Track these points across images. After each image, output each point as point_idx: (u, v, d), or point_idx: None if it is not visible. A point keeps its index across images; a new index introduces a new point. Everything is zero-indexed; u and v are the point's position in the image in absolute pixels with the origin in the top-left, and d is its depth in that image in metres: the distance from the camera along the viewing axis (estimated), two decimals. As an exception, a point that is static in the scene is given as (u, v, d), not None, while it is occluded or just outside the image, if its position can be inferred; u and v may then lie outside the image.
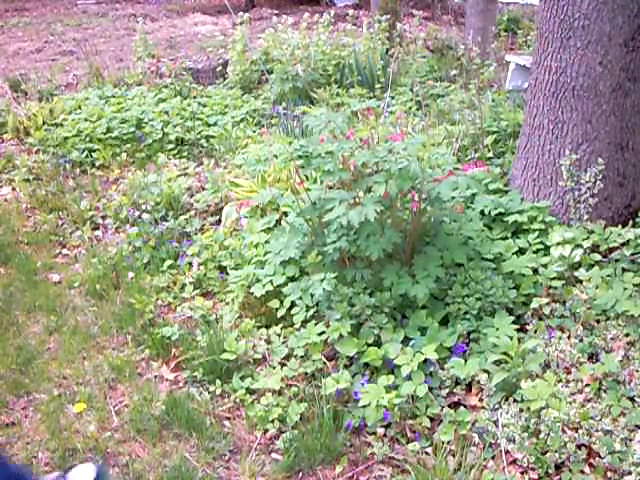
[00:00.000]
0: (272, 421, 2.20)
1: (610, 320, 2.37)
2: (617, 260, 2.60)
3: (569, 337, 2.33)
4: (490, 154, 3.65)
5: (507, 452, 2.00)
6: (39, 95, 5.53)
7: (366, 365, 2.31)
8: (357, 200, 2.43)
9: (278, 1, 11.33)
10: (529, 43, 6.36)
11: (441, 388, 2.22)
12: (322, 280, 2.42)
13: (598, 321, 2.39)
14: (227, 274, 2.92)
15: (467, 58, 5.14)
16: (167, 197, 3.58)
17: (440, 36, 6.90)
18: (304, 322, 2.49)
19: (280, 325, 2.59)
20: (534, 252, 2.67)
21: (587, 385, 2.17)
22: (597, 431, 1.96)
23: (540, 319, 2.44)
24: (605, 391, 2.14)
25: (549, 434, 1.95)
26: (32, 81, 5.79)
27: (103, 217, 3.71)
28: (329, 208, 2.38)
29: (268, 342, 2.54)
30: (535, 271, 2.58)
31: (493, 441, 2.03)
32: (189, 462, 2.09)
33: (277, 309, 2.60)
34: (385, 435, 2.14)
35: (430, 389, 2.18)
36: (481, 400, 2.19)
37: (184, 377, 2.47)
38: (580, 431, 1.97)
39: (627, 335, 2.30)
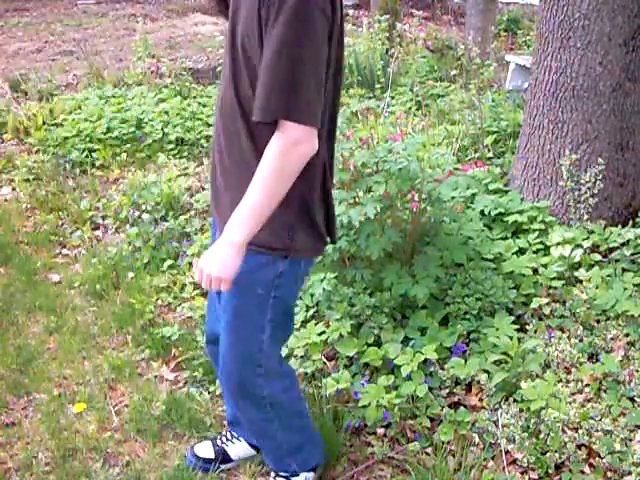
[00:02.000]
0: (272, 421, 2.20)
1: (610, 320, 2.37)
2: (617, 260, 2.60)
3: (569, 337, 2.33)
4: (490, 154, 3.65)
5: (507, 452, 2.00)
6: (39, 95, 5.52)
7: (366, 365, 2.31)
8: (357, 200, 2.43)
9: (278, 1, 11.29)
10: (529, 43, 6.37)
11: (441, 388, 2.22)
12: (322, 280, 2.42)
13: (598, 321, 2.39)
14: (227, 274, 2.92)
15: (467, 58, 5.14)
16: (167, 197, 3.58)
17: (440, 36, 6.91)
18: (304, 322, 2.49)
19: (280, 325, 2.59)
20: (534, 252, 2.67)
21: (587, 385, 2.17)
22: (597, 431, 1.96)
23: (540, 319, 2.44)
24: (605, 391, 2.14)
25: (549, 434, 1.95)
26: (32, 81, 5.78)
27: (103, 217, 3.71)
28: (329, 208, 2.38)
29: (268, 342, 2.54)
30: (535, 271, 2.58)
31: (493, 441, 2.03)
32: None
33: (277, 309, 2.60)
34: (385, 435, 2.14)
35: (430, 389, 2.17)
36: (481, 400, 2.19)
37: (184, 377, 2.47)
38: (580, 431, 1.97)
39: (627, 335, 2.30)
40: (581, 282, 2.51)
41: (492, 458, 2.02)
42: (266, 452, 1.94)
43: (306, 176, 1.49)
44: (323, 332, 2.37)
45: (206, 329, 1.97)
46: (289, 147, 1.37)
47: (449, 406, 2.17)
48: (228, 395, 1.88)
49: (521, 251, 2.70)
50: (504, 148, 3.75)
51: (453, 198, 2.81)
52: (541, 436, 1.96)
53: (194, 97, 5.36)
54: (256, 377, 1.70)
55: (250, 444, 2.06)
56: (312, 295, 2.49)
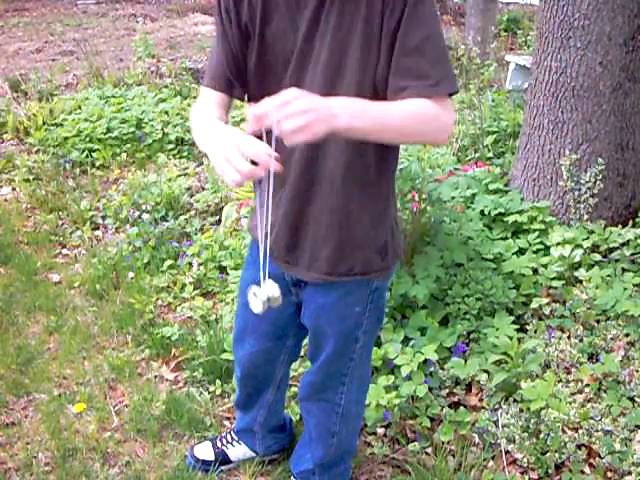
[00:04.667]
0: (272, 421, 2.20)
1: (610, 320, 2.37)
2: (617, 260, 2.60)
3: (569, 337, 2.33)
4: (490, 154, 3.65)
5: (507, 452, 2.00)
6: (39, 95, 5.52)
7: (366, 365, 2.30)
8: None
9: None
10: (529, 43, 6.36)
11: (441, 388, 2.22)
12: (322, 280, 2.42)
13: (598, 321, 2.39)
14: (227, 274, 2.92)
15: (467, 58, 5.14)
16: (167, 197, 3.58)
17: (440, 36, 6.88)
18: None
19: (280, 325, 2.59)
20: (534, 252, 2.67)
21: (587, 385, 2.17)
22: (597, 431, 1.96)
23: (540, 319, 2.44)
24: (605, 391, 2.14)
25: (549, 434, 1.95)
26: (32, 81, 5.79)
27: (103, 217, 3.71)
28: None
29: (268, 342, 2.54)
30: (535, 271, 2.58)
31: (493, 441, 2.03)
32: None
33: (277, 309, 2.60)
34: (385, 435, 2.14)
35: (430, 389, 2.18)
36: (481, 400, 2.19)
37: (184, 377, 2.47)
38: (580, 431, 1.97)
39: (627, 335, 2.30)
40: (581, 282, 2.51)
41: (492, 458, 2.02)
42: (306, 457, 1.88)
43: (394, 190, 1.49)
44: (323, 332, 2.37)
45: (252, 374, 1.84)
46: (450, 122, 1.34)
47: (449, 406, 2.17)
48: (305, 396, 1.79)
49: (521, 251, 2.70)
50: (504, 148, 3.76)
51: (453, 198, 2.82)
52: (541, 436, 1.96)
53: (194, 97, 5.36)
54: (339, 384, 1.69)
55: (252, 449, 2.06)
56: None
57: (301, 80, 1.33)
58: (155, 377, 2.49)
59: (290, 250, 1.51)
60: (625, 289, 2.39)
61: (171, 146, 4.56)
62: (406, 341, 2.31)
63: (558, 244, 2.63)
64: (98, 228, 3.66)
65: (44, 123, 4.86)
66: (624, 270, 2.55)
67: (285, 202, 1.46)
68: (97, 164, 4.42)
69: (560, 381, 2.18)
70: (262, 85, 1.40)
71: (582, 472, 1.92)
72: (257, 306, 1.30)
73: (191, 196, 3.70)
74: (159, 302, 2.93)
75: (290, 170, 1.40)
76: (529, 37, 6.50)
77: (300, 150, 1.38)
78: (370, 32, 1.28)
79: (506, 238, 2.77)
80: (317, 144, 1.25)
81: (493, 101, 4.35)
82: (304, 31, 1.31)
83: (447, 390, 2.21)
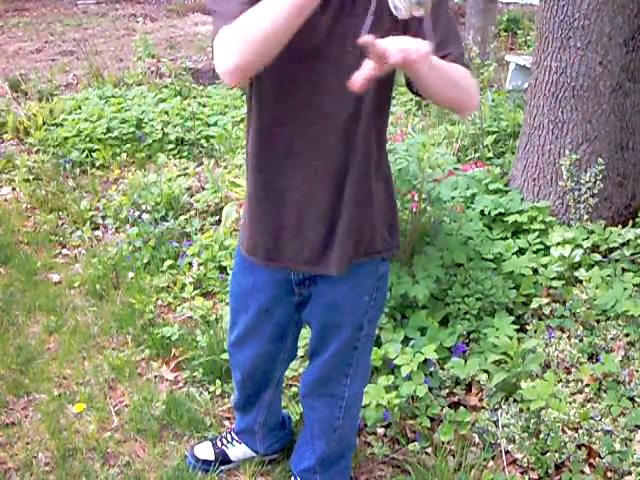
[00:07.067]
0: (272, 421, 2.19)
1: (610, 320, 2.37)
2: (617, 260, 2.60)
3: (569, 337, 2.33)
4: (490, 154, 3.65)
5: (507, 452, 2.00)
6: (39, 95, 5.52)
7: (366, 365, 2.30)
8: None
9: (278, 1, 11.27)
10: (529, 43, 6.36)
11: (441, 388, 2.22)
12: (322, 280, 2.42)
13: (598, 321, 2.39)
14: (227, 274, 2.92)
15: (467, 58, 5.14)
16: (167, 197, 3.58)
17: (440, 36, 6.88)
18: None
19: (280, 325, 2.58)
20: (534, 252, 2.67)
21: (587, 385, 2.17)
22: (597, 431, 1.96)
23: (540, 319, 2.44)
24: (605, 391, 2.14)
25: (549, 434, 1.95)
26: (32, 81, 5.78)
27: (103, 217, 3.70)
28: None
29: (268, 342, 2.54)
30: (535, 271, 2.58)
31: (493, 441, 2.03)
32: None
33: (277, 309, 2.60)
34: (385, 435, 2.14)
35: (430, 389, 2.17)
36: (481, 400, 2.19)
37: (184, 377, 2.47)
38: (580, 431, 1.97)
39: (627, 335, 2.30)
40: (581, 282, 2.51)
41: (492, 458, 2.02)
42: (307, 454, 1.88)
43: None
44: (323, 332, 2.37)
45: (253, 375, 1.84)
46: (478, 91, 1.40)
47: (449, 406, 2.17)
48: (308, 392, 1.79)
49: (521, 251, 2.70)
50: (504, 148, 3.75)
51: (453, 198, 2.81)
52: (541, 436, 1.96)
53: (194, 97, 5.36)
54: (343, 376, 1.69)
55: (253, 449, 2.06)
56: (312, 295, 2.48)
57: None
58: (155, 377, 2.49)
59: (319, 249, 1.49)
60: (625, 289, 2.39)
61: (171, 146, 4.56)
62: (406, 341, 2.31)
63: (558, 244, 2.63)
64: (98, 228, 3.66)
65: (44, 123, 4.86)
66: (624, 270, 2.55)
67: (318, 197, 1.44)
68: (97, 164, 4.42)
69: (560, 381, 2.18)
70: None
71: (582, 472, 1.92)
72: (404, 8, 1.08)
73: (191, 196, 3.70)
74: (159, 302, 2.93)
75: (330, 160, 1.41)
76: (529, 37, 6.50)
77: (336, 140, 1.39)
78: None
79: (506, 238, 2.77)
80: (354, 131, 1.32)
81: (493, 101, 4.34)
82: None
83: (447, 390, 2.21)
